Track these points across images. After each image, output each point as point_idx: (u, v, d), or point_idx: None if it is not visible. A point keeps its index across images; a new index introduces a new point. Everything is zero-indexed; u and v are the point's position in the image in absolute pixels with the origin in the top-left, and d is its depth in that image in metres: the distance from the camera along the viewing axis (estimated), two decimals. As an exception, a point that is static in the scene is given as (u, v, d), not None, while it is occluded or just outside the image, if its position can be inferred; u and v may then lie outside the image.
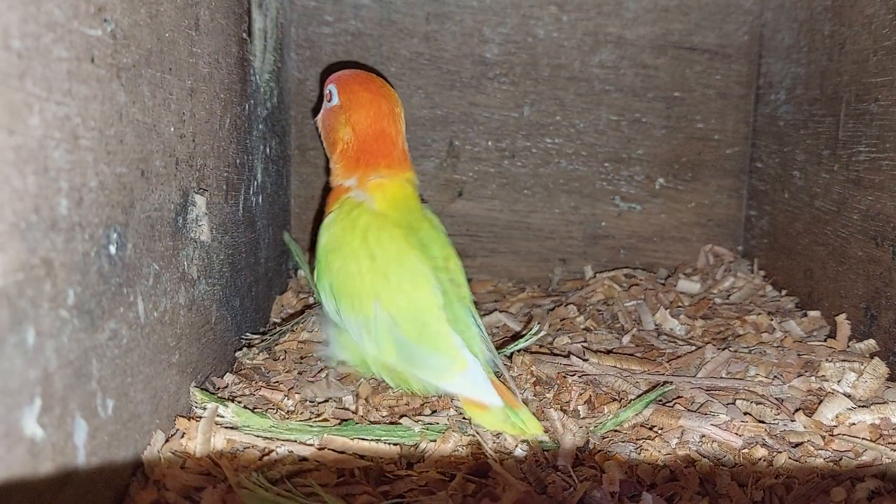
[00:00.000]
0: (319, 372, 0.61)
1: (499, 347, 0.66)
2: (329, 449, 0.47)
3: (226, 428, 0.48)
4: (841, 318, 0.68)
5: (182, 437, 0.46)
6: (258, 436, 0.48)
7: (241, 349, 0.63)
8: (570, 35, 0.87)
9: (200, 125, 0.52)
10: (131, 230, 0.40)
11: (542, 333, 0.69)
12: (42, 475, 0.32)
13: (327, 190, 0.65)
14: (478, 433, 0.51)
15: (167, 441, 0.45)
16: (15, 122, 0.30)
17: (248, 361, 0.62)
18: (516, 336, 0.71)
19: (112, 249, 0.38)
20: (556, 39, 0.87)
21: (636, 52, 0.88)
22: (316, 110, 0.73)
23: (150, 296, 0.43)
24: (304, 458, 0.46)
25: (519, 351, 0.66)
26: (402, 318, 0.52)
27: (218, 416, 0.49)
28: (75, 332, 0.35)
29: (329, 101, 0.63)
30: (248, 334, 0.65)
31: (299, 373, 0.61)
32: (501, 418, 0.51)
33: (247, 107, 0.65)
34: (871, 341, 0.64)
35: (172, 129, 0.46)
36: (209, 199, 0.53)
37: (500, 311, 0.78)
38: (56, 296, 0.33)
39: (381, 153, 0.60)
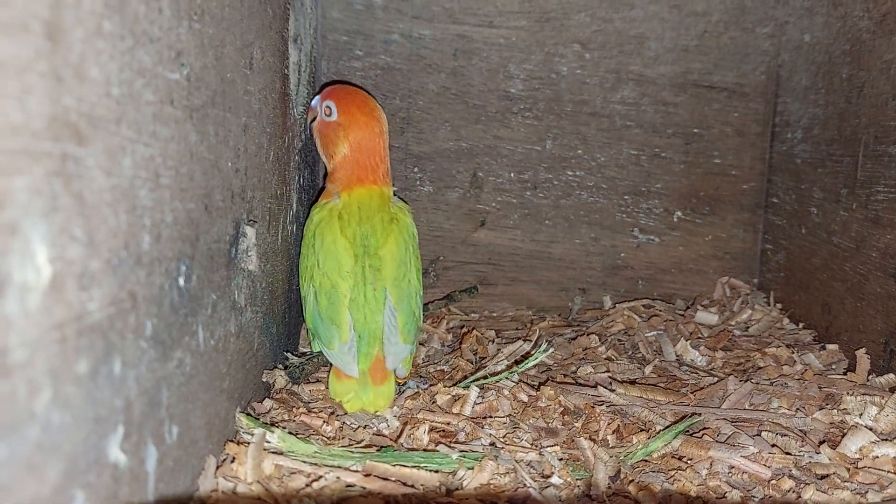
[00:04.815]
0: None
1: (512, 366, 0.71)
2: (374, 475, 0.49)
3: (272, 453, 0.50)
4: (861, 353, 0.69)
5: (233, 461, 0.47)
6: (304, 461, 0.49)
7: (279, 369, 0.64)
8: (592, 72, 0.90)
9: (251, 159, 0.54)
10: (196, 263, 0.42)
11: (551, 351, 0.74)
12: (121, 501, 0.34)
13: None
14: (515, 463, 0.53)
15: (219, 466, 0.47)
16: (112, 164, 0.32)
17: (283, 385, 0.63)
18: (527, 355, 0.73)
19: (181, 282, 0.40)
20: (579, 76, 0.90)
21: (657, 90, 0.91)
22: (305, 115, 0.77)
23: (209, 325, 0.45)
24: (350, 485, 0.48)
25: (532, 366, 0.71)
26: (320, 294, 0.64)
27: (265, 441, 0.50)
28: (151, 361, 0.36)
29: (328, 116, 0.70)
30: (287, 354, 0.68)
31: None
32: (347, 390, 0.61)
33: (286, 139, 0.67)
34: (891, 375, 0.66)
35: (230, 164, 0.48)
36: (257, 230, 0.55)
37: (524, 340, 0.80)
38: (138, 327, 0.35)
39: (370, 168, 0.68)
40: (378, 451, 0.53)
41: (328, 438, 0.56)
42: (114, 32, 0.32)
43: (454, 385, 0.66)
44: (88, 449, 0.30)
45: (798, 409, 0.64)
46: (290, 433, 0.53)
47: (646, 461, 0.55)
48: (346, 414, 0.61)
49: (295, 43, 0.75)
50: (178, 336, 0.40)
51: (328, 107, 0.69)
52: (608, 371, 0.73)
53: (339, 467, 0.50)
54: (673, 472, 0.53)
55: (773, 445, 0.57)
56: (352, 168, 0.68)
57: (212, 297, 0.46)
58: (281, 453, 0.50)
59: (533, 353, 0.71)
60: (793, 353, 0.75)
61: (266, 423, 0.54)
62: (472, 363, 0.74)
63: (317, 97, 0.72)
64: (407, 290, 0.65)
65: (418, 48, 0.88)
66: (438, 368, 0.73)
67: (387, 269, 0.64)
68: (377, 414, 0.61)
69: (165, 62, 0.37)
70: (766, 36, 0.90)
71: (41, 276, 0.26)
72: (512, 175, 0.92)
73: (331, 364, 0.64)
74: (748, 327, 0.85)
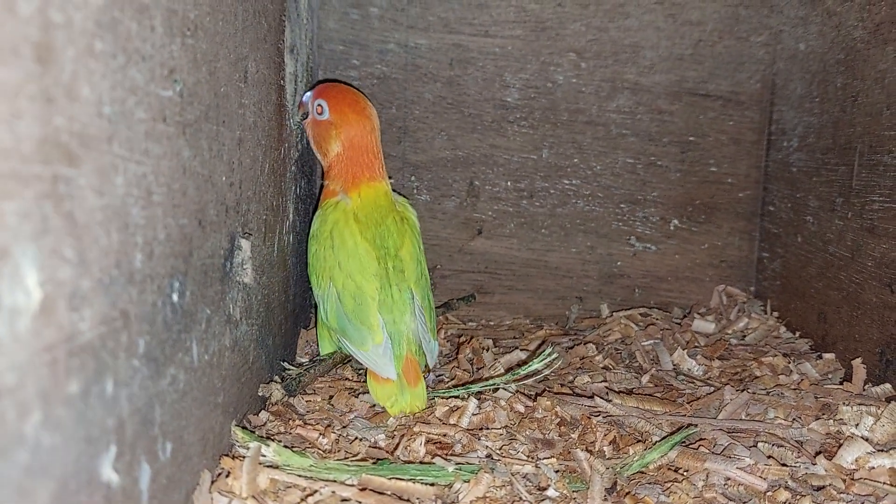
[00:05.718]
0: (349, 412, 0.63)
1: (514, 369, 0.71)
2: (369, 489, 0.49)
3: (268, 467, 0.49)
4: (857, 363, 0.69)
5: (228, 476, 0.47)
6: (300, 475, 0.49)
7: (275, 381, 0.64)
8: (588, 81, 0.90)
9: (246, 172, 0.54)
10: (190, 278, 0.42)
11: (556, 356, 0.73)
12: (113, 518, 0.34)
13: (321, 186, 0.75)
14: (511, 476, 0.52)
15: (214, 481, 0.47)
16: (104, 183, 0.32)
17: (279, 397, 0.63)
18: (531, 355, 0.73)
19: (175, 298, 0.40)
20: (574, 85, 0.90)
21: (652, 99, 0.91)
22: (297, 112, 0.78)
23: (203, 340, 0.45)
24: (346, 499, 0.48)
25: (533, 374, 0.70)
26: (344, 295, 0.65)
27: (260, 455, 0.50)
28: (144, 379, 0.36)
29: (320, 115, 0.71)
30: (284, 364, 0.68)
31: (330, 407, 0.63)
32: (388, 394, 0.63)
33: (282, 150, 0.67)
34: (887, 385, 0.66)
35: (224, 178, 0.48)
36: (252, 243, 0.55)
37: (521, 350, 0.80)
38: (130, 346, 0.35)
39: (365, 165, 0.70)
40: (374, 463, 0.53)
41: (324, 451, 0.56)
42: (105, 51, 0.32)
43: (451, 388, 0.66)
44: (80, 470, 0.30)
45: (794, 419, 0.63)
46: (285, 446, 0.53)
47: (642, 473, 0.55)
48: (351, 424, 0.61)
49: (291, 53, 0.75)
50: (172, 353, 0.40)
51: (320, 105, 0.71)
52: (605, 381, 0.73)
53: (335, 481, 0.50)
54: (669, 484, 0.53)
55: (770, 457, 0.57)
56: (347, 166, 0.70)
57: (206, 311, 0.45)
58: (276, 467, 0.50)
59: (530, 362, 0.71)
60: (789, 362, 0.75)
61: (262, 437, 0.54)
62: (469, 373, 0.74)
63: (307, 94, 0.73)
64: (425, 286, 0.68)
65: (414, 58, 0.88)
66: (437, 377, 0.73)
67: (408, 270, 0.67)
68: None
69: (158, 79, 0.37)
70: (760, 45, 0.90)
71: (31, 299, 0.26)
72: (508, 184, 0.92)
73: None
74: (745, 336, 0.85)
